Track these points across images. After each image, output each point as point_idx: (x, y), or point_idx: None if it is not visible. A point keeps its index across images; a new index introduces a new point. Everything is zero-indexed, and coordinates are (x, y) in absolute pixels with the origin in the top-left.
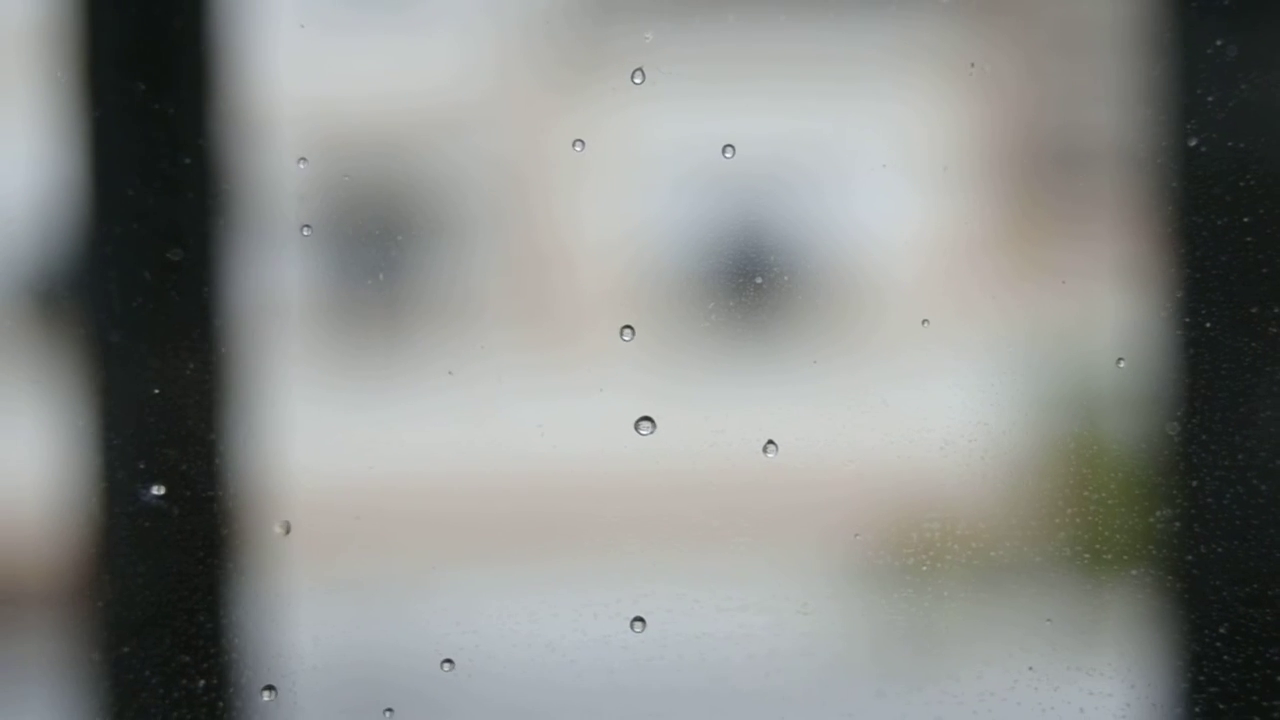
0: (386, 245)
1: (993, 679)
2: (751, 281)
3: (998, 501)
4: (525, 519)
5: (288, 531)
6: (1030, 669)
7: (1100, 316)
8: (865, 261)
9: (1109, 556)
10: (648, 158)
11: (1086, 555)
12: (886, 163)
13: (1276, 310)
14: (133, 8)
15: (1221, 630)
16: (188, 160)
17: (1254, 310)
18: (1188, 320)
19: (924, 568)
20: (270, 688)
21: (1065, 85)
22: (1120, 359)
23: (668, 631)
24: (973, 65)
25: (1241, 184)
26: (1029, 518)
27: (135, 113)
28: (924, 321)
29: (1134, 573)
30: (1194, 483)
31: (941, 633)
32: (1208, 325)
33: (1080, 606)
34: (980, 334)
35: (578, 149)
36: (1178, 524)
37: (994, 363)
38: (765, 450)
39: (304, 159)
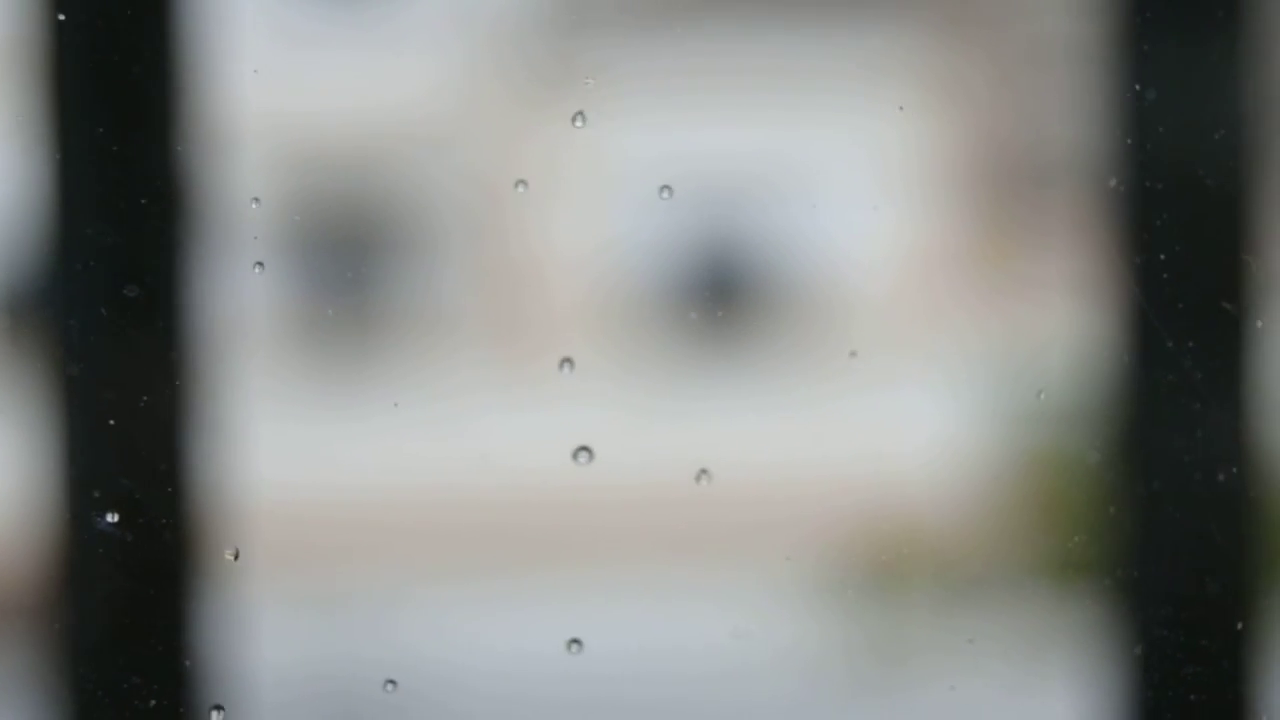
0: (358, 259)
1: (952, 691)
2: (722, 294)
3: (962, 513)
4: (493, 532)
5: (237, 558)
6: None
7: (1066, 330)
8: (832, 275)
9: (1070, 568)
10: (616, 173)
11: (1048, 567)
12: (852, 179)
13: (1226, 314)
14: (98, 28)
15: (1137, 651)
16: (151, 197)
17: (1170, 344)
18: (1114, 350)
19: (890, 579)
20: (219, 707)
21: (1033, 101)
22: (1041, 391)
23: (629, 646)
24: (901, 108)
25: (1194, 195)
26: (993, 529)
27: (101, 146)
28: (852, 353)
29: (1092, 584)
30: (1112, 509)
31: (904, 644)
32: (1128, 357)
33: (1041, 618)
34: (948, 348)
35: (520, 190)
36: (1104, 544)
37: (961, 376)
38: (698, 479)
39: (257, 199)
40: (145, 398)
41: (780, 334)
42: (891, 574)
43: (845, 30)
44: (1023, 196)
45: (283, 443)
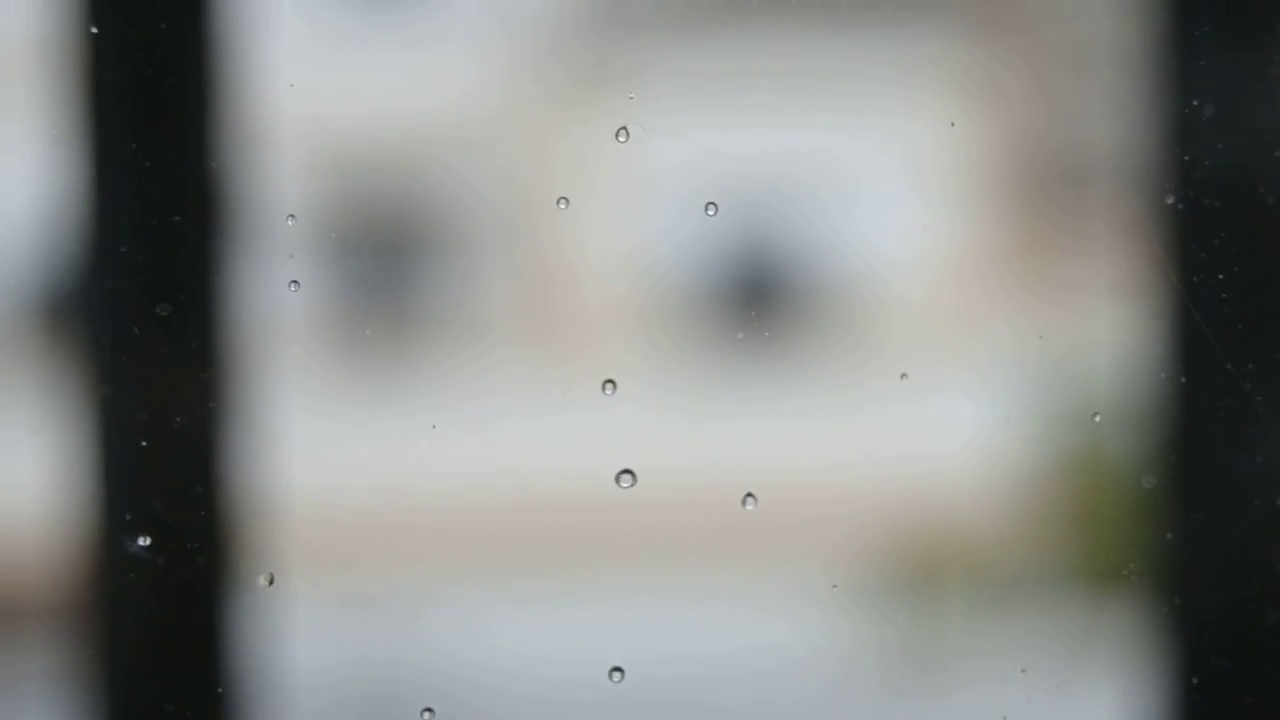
0: (394, 261)
1: (988, 696)
2: (759, 297)
3: (999, 517)
4: (525, 535)
5: (271, 583)
6: (1027, 694)
7: (1103, 333)
8: (869, 278)
9: (1110, 572)
10: (652, 175)
11: (1088, 570)
12: (889, 181)
13: (1273, 328)
14: (133, 35)
15: (1195, 681)
16: (184, 215)
17: (1250, 328)
18: (1168, 372)
19: (926, 584)
20: None
21: (1070, 103)
22: (1096, 414)
23: (662, 648)
24: (953, 124)
25: (1238, 200)
26: (1029, 533)
27: (135, 165)
28: (903, 375)
29: (1131, 589)
30: (1169, 535)
31: (939, 649)
32: (1185, 379)
33: (1078, 624)
34: (984, 350)
35: (562, 206)
36: (1156, 573)
37: (998, 379)
38: (744, 503)
39: (293, 216)
40: (179, 419)
41: (816, 337)
42: (928, 579)
43: (883, 33)
44: (1060, 200)
45: (318, 447)
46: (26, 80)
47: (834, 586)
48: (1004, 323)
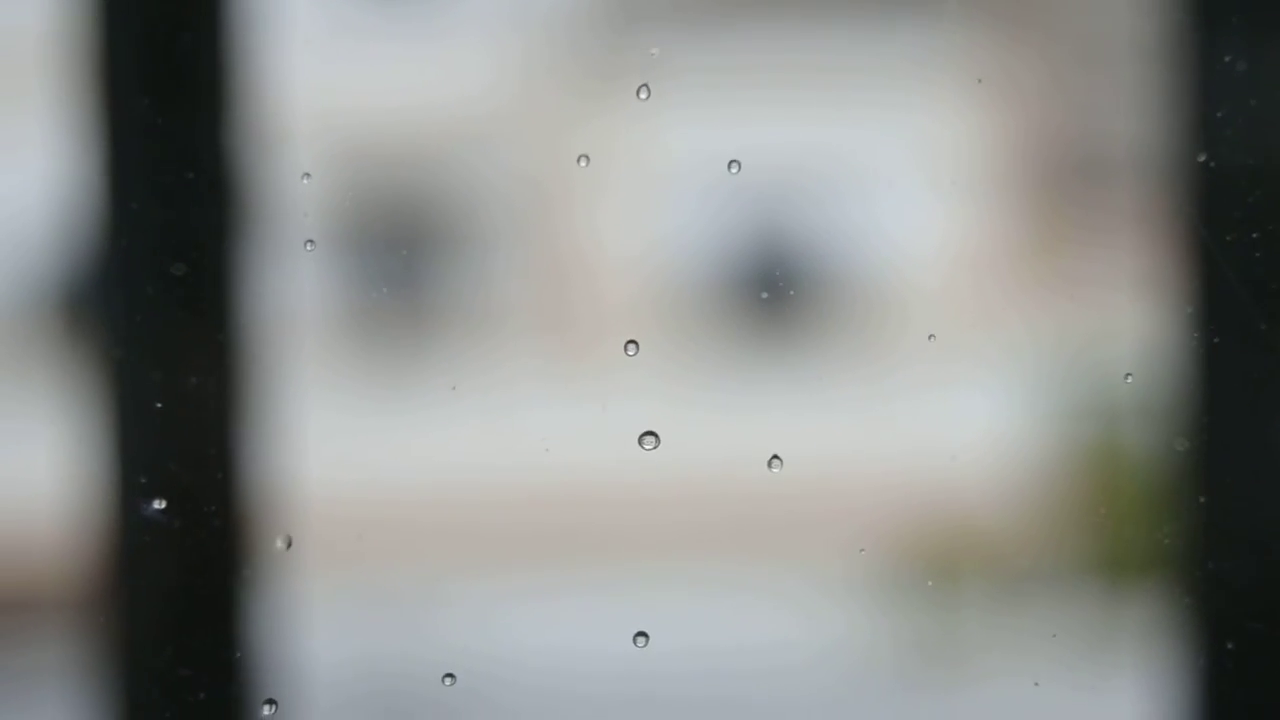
0: (406, 255)
1: (1005, 689)
2: (770, 292)
3: (1015, 510)
4: (538, 528)
5: (289, 546)
6: (1036, 684)
7: (1119, 327)
8: (885, 272)
9: (1125, 566)
10: (668, 168)
11: (1103, 565)
12: (905, 175)
13: None
14: (148, 16)
15: (1229, 646)
16: (198, 173)
17: (1263, 327)
18: (1200, 333)
19: (942, 576)
20: (271, 701)
21: (1085, 97)
22: (1128, 374)
23: (676, 642)
24: (979, 80)
25: (1253, 198)
26: (1046, 527)
27: (147, 123)
28: (930, 336)
29: (1149, 582)
30: (1203, 498)
31: (956, 642)
32: (1218, 339)
33: (1095, 617)
34: (1000, 344)
35: (582, 164)
36: (1188, 537)
37: (1014, 373)
38: (770, 465)
39: (308, 174)
40: (194, 379)
41: (833, 331)
42: (945, 572)
43: (900, 26)
44: (1078, 194)
45: (334, 437)
46: (41, 61)
47: (861, 550)
48: (1021, 316)
